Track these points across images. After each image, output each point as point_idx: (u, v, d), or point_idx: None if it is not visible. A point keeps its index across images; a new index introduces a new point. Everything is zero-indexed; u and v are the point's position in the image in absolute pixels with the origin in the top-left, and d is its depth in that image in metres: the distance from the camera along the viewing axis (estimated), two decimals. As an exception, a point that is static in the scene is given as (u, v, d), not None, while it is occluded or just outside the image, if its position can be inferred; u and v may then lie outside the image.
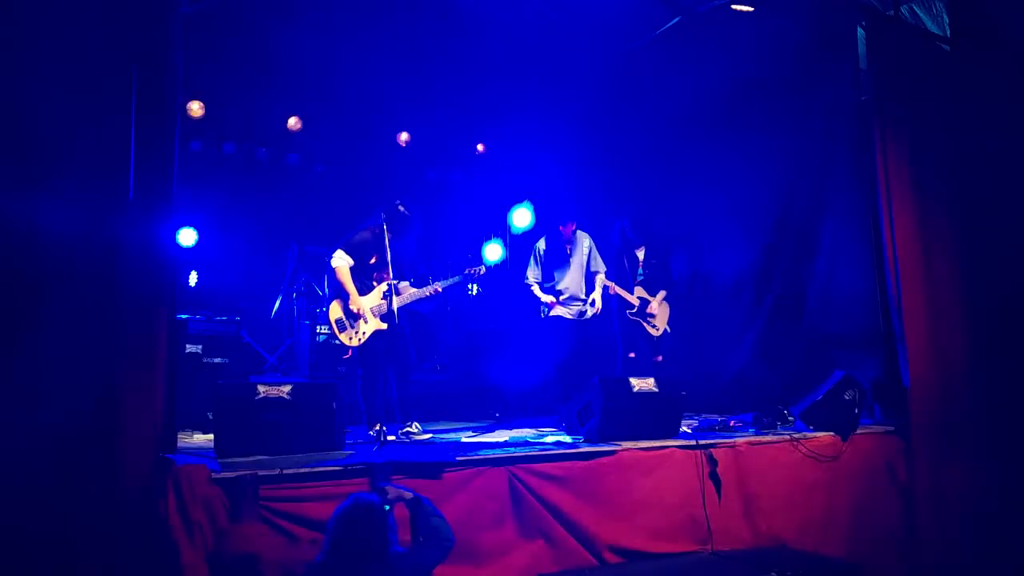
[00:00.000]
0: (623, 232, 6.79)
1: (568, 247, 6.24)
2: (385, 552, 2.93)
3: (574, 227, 6.25)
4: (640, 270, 6.69)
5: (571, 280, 6.22)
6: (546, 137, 8.36)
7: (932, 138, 5.78)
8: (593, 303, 6.18)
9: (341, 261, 5.25)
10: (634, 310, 6.56)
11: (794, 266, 6.50)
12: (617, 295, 6.53)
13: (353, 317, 5.23)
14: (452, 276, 5.58)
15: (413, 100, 7.89)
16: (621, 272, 6.66)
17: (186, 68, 3.91)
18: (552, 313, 6.17)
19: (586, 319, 6.22)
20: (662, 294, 6.65)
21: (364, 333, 5.22)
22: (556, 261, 6.26)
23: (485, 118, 8.51)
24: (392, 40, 6.93)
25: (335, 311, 5.26)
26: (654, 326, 6.59)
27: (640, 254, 6.74)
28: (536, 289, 6.27)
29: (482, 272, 5.53)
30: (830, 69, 6.17)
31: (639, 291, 6.59)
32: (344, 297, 5.24)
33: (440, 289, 5.42)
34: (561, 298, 6.18)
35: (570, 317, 6.19)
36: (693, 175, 7.39)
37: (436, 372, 7.88)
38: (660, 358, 6.59)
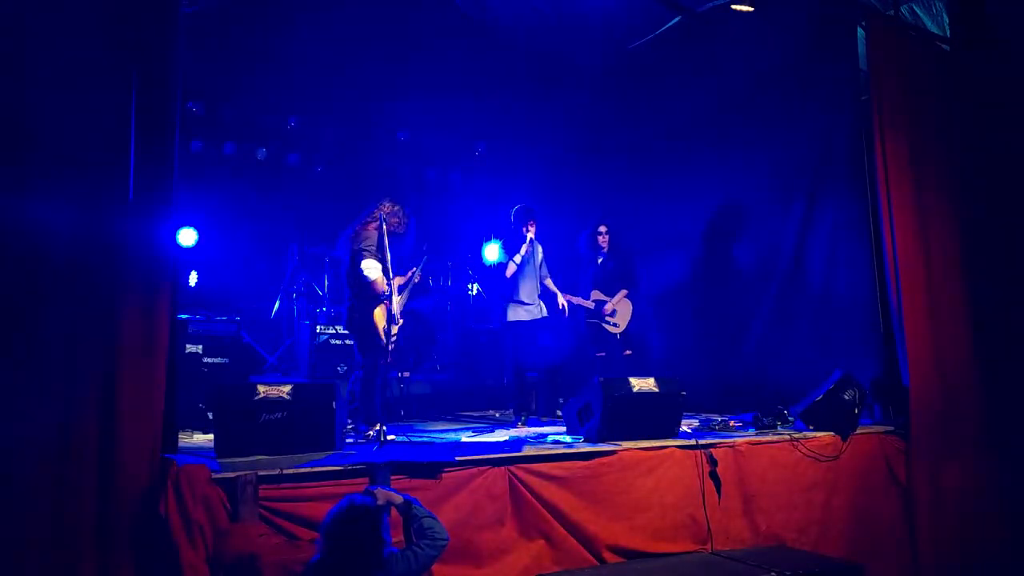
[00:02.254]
0: (589, 237, 6.95)
1: (529, 250, 6.33)
2: (379, 553, 2.94)
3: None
4: (598, 274, 6.88)
5: (532, 284, 6.37)
6: (546, 137, 8.36)
7: (932, 138, 5.77)
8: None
9: (377, 272, 5.15)
10: (590, 314, 6.75)
11: (795, 265, 6.49)
12: (571, 301, 6.66)
13: (392, 321, 5.19)
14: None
15: (413, 100, 7.90)
16: (585, 277, 6.88)
17: (186, 68, 3.91)
18: (513, 317, 6.28)
19: (539, 319, 6.38)
20: (622, 293, 6.81)
21: (395, 335, 5.24)
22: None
23: (485, 118, 8.52)
24: (392, 40, 6.94)
25: (381, 319, 5.16)
26: (615, 324, 6.73)
27: (600, 258, 6.92)
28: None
29: (417, 279, 5.67)
30: (830, 69, 6.16)
31: (595, 294, 6.75)
32: (386, 299, 5.17)
33: (418, 273, 5.52)
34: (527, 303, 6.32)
35: (528, 319, 6.32)
36: (692, 175, 7.38)
37: (436, 372, 7.89)
38: (629, 352, 6.75)
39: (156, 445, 3.49)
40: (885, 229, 5.48)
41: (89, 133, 3.55)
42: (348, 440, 4.75)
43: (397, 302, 5.26)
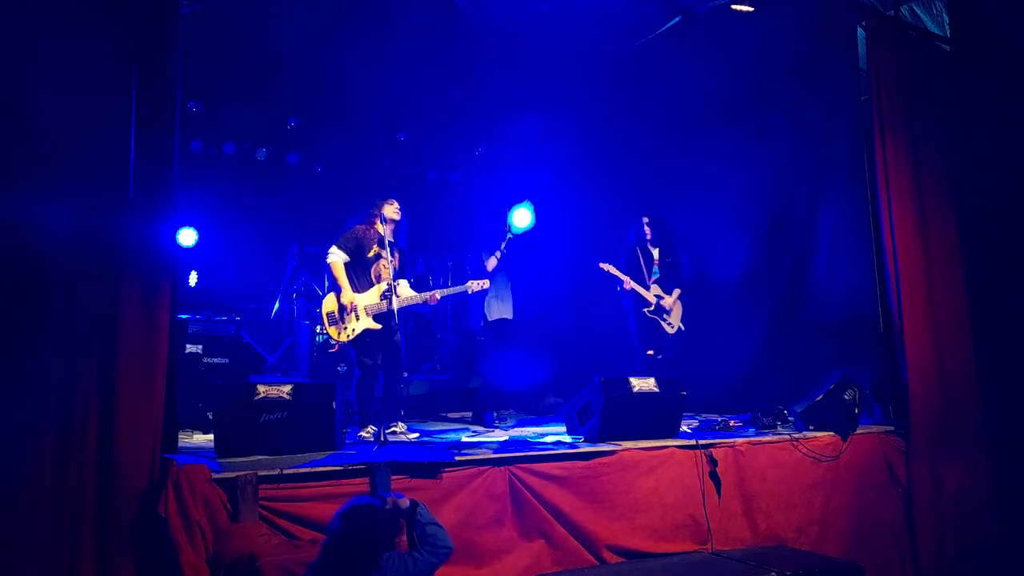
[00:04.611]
0: (639, 230, 6.76)
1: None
2: (376, 554, 2.93)
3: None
4: (656, 268, 6.68)
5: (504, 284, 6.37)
6: (546, 137, 8.36)
7: (932, 138, 5.77)
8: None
9: (335, 256, 5.28)
10: (651, 307, 6.55)
11: (795, 266, 6.50)
12: (633, 291, 6.53)
13: (344, 312, 5.21)
14: (453, 286, 5.66)
15: (413, 100, 7.89)
16: (636, 270, 6.64)
17: (186, 68, 3.91)
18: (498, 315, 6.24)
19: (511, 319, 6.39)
20: (677, 292, 6.66)
21: (353, 330, 5.20)
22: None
23: (485, 118, 8.51)
24: (392, 39, 6.92)
25: (329, 304, 5.28)
26: (669, 323, 6.60)
27: (655, 253, 6.73)
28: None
29: (487, 286, 5.63)
30: (830, 69, 6.16)
31: (655, 288, 6.58)
32: (338, 291, 5.25)
33: (438, 298, 5.44)
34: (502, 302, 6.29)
35: (509, 317, 6.31)
36: (693, 175, 7.38)
37: (436, 372, 7.89)
38: (660, 356, 6.58)
39: (156, 445, 3.49)
40: (885, 229, 5.48)
41: (89, 133, 3.55)
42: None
43: (375, 304, 5.29)
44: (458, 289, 5.66)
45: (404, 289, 5.41)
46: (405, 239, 5.64)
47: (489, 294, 6.24)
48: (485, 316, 6.23)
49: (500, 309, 6.25)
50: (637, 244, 6.74)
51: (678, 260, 6.80)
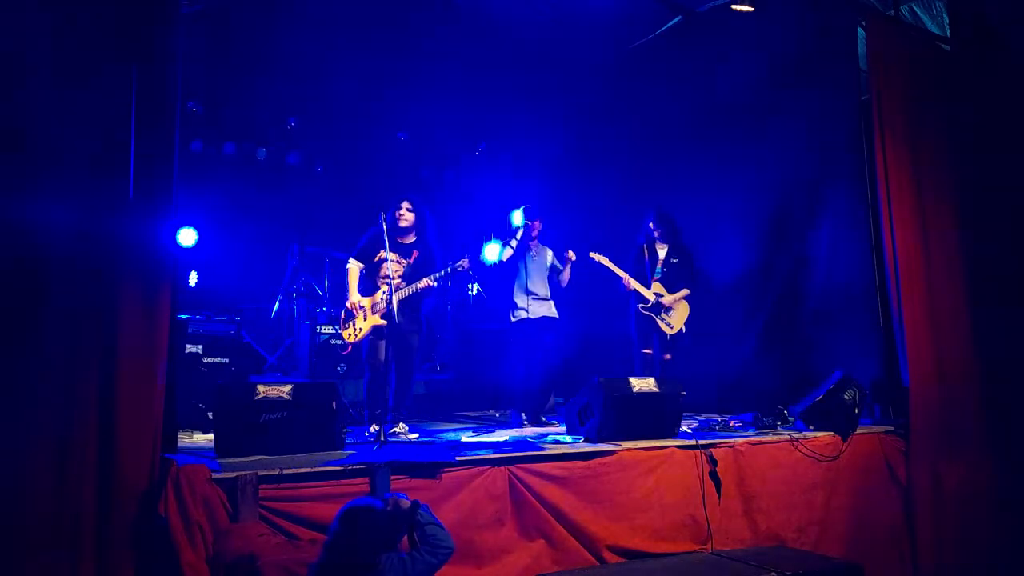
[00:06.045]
0: (647, 230, 6.69)
1: (533, 244, 6.27)
2: (374, 554, 2.93)
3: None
4: (659, 267, 6.58)
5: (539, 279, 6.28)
6: (546, 137, 8.36)
7: (932, 138, 5.78)
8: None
9: (350, 264, 5.59)
10: (648, 305, 6.45)
11: (794, 266, 6.50)
12: (635, 289, 6.46)
13: (352, 314, 5.45)
14: (440, 271, 5.61)
15: (413, 100, 7.90)
16: (640, 268, 6.57)
17: (186, 68, 3.91)
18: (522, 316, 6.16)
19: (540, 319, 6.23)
20: (683, 292, 6.51)
21: (361, 329, 5.41)
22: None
23: (485, 118, 8.52)
24: (392, 40, 6.94)
25: (345, 309, 5.52)
26: (668, 324, 6.45)
27: (662, 252, 6.64)
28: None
29: (465, 265, 5.54)
30: (830, 69, 6.17)
31: (656, 287, 6.49)
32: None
33: (431, 282, 5.42)
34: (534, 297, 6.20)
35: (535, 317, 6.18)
36: (693, 175, 7.38)
37: (436, 372, 7.89)
38: (668, 356, 6.47)
39: (156, 445, 3.49)
40: (885, 229, 5.48)
41: (89, 133, 3.55)
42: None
43: (378, 302, 5.41)
44: (446, 271, 5.56)
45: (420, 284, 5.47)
46: (434, 238, 5.69)
47: (517, 291, 6.16)
48: (513, 312, 6.11)
49: (540, 306, 6.18)
50: (646, 243, 6.69)
51: (689, 259, 6.65)
